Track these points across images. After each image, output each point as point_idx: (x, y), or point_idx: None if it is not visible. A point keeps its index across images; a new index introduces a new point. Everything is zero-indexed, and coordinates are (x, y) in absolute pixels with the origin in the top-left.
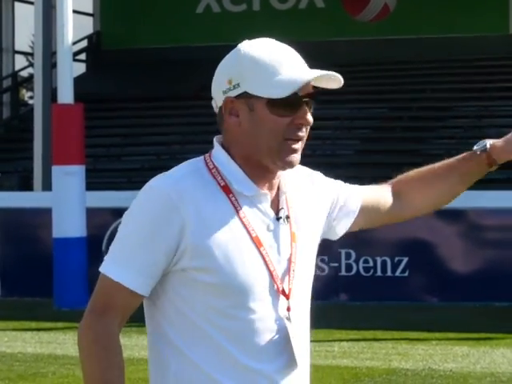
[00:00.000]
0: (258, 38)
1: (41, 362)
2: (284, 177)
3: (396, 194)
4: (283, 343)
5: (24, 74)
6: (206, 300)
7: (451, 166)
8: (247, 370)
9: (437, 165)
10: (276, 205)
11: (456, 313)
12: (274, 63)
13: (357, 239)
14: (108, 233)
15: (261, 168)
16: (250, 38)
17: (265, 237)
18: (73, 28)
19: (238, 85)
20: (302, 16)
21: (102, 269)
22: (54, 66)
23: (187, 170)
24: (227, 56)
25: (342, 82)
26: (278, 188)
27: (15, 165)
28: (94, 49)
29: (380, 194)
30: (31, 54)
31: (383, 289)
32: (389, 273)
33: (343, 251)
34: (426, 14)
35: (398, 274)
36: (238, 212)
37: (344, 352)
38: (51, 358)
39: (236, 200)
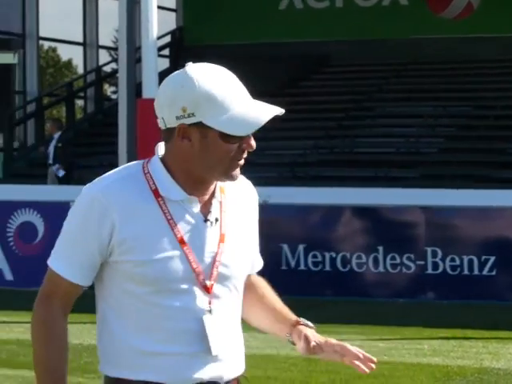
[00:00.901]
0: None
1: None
2: (221, 185)
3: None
4: (200, 332)
5: (106, 69)
6: (135, 289)
7: (276, 312)
8: (163, 354)
9: (273, 302)
10: (207, 209)
11: None
12: (227, 98)
13: (444, 237)
14: None
15: (197, 179)
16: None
17: (190, 237)
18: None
19: (193, 114)
20: (385, 13)
21: (48, 261)
22: (138, 61)
23: (122, 174)
24: (178, 79)
25: (283, 112)
26: (214, 194)
27: (100, 159)
28: (177, 44)
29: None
30: (114, 49)
31: (470, 288)
32: (476, 272)
33: (429, 249)
34: (511, 11)
35: (485, 272)
36: (164, 214)
37: (434, 350)
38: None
39: (164, 203)
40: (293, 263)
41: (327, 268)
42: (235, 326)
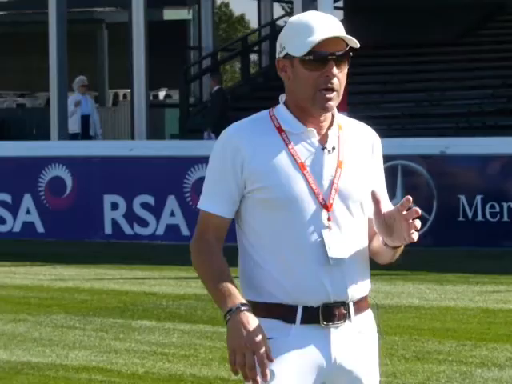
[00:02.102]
0: None
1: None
2: (340, 123)
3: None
4: (322, 245)
5: (280, 22)
6: (265, 213)
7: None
8: (295, 268)
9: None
10: (325, 139)
11: None
12: (307, 30)
13: None
14: None
15: (306, 111)
16: None
17: (309, 163)
18: None
19: (284, 48)
20: None
21: (198, 205)
22: None
23: (252, 118)
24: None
25: (358, 44)
26: (331, 128)
27: None
28: None
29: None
30: (288, 2)
31: None
32: None
33: None
34: None
35: None
36: (287, 145)
37: None
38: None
39: (287, 136)
40: (470, 214)
41: (505, 219)
42: (357, 247)
